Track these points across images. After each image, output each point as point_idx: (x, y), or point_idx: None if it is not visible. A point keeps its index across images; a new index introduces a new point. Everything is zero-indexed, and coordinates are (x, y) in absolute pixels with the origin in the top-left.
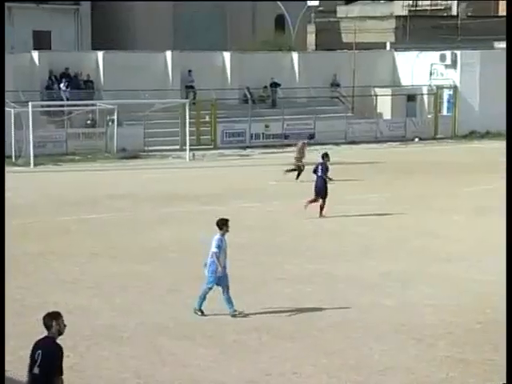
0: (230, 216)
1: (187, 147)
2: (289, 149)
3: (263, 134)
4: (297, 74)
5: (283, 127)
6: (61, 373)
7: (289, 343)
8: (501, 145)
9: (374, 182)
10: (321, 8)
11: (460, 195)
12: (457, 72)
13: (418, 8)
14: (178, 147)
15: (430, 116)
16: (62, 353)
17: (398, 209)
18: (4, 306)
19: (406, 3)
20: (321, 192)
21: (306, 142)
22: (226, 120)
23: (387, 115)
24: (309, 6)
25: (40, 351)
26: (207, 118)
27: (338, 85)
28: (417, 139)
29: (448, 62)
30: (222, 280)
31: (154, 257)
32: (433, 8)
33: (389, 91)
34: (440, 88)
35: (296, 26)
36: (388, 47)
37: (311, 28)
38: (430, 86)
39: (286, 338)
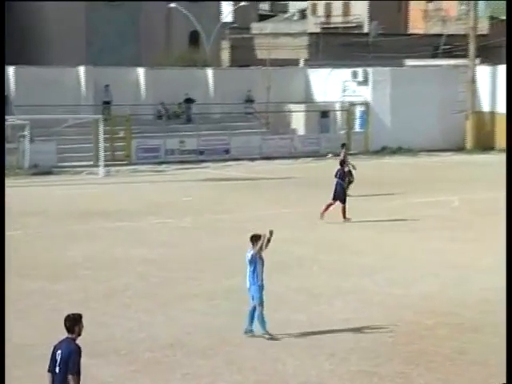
0: (143, 232)
1: (101, 163)
2: (204, 164)
3: (178, 149)
4: (211, 90)
5: (198, 143)
6: (79, 373)
7: (203, 360)
8: (412, 160)
9: (288, 198)
10: (235, 24)
11: (372, 210)
12: (368, 89)
13: (330, 25)
14: (91, 163)
15: (342, 132)
16: (81, 354)
17: (312, 224)
18: (4, 306)
19: (318, 20)
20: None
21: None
22: (140, 136)
23: (301, 131)
24: (223, 23)
25: (60, 351)
26: (121, 134)
27: (252, 101)
28: (330, 155)
29: (360, 78)
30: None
31: (67, 274)
32: (345, 25)
33: (302, 107)
34: (352, 104)
35: (210, 42)
36: (301, 64)
37: (225, 44)
38: (342, 102)
39: (200, 354)
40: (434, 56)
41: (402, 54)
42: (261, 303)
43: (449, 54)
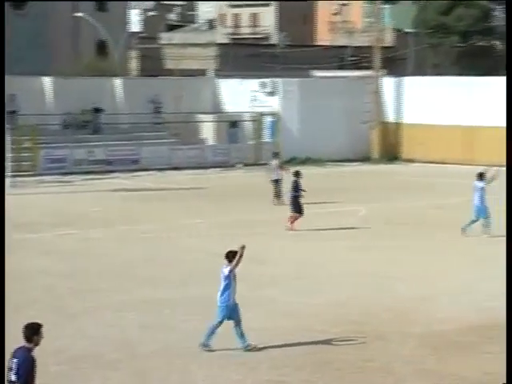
0: (51, 244)
1: (7, 174)
2: (112, 175)
3: (86, 159)
4: (120, 100)
5: (106, 153)
6: (33, 382)
7: (111, 371)
8: (320, 170)
9: (197, 208)
10: (143, 34)
11: (280, 220)
12: (277, 99)
13: (238, 36)
14: None
15: (252, 142)
16: (35, 364)
17: (222, 234)
18: (4, 306)
19: (227, 31)
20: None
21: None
22: (47, 146)
23: (211, 141)
24: (131, 32)
25: (16, 360)
26: (27, 144)
27: (160, 111)
28: (240, 165)
29: (269, 89)
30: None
31: None
32: (253, 36)
33: (212, 117)
34: (261, 115)
35: (118, 51)
36: (210, 74)
37: (134, 54)
38: (251, 112)
39: (108, 366)
40: (341, 67)
41: (309, 65)
42: (221, 322)
43: (355, 66)
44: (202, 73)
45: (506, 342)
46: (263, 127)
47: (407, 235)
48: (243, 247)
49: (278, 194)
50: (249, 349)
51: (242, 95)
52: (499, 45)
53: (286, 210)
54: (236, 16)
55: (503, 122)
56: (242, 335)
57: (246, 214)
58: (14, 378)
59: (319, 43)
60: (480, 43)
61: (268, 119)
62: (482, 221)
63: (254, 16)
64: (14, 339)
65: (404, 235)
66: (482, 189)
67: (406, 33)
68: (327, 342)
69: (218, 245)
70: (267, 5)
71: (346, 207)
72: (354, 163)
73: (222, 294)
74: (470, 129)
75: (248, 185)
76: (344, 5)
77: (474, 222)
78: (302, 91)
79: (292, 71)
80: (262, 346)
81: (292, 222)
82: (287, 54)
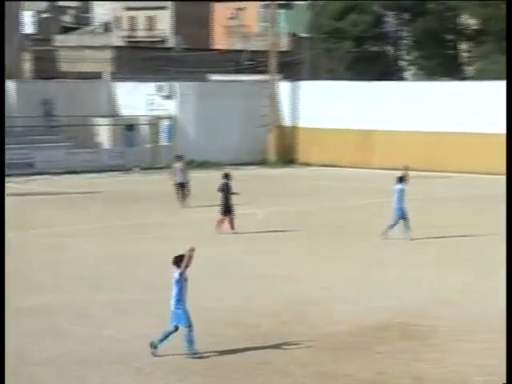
0: None
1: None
2: (6, 179)
3: None
4: (13, 103)
5: None
6: None
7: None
8: (217, 174)
9: (93, 212)
10: (37, 36)
11: (177, 223)
12: (174, 103)
13: (134, 39)
14: None
15: (149, 145)
16: None
17: (118, 238)
18: (4, 306)
19: (122, 34)
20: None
21: None
22: None
23: (107, 145)
24: (24, 34)
25: None
26: None
27: (52, 114)
28: (137, 168)
29: (165, 92)
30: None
31: None
32: (149, 40)
33: (108, 121)
34: (158, 118)
35: (11, 53)
36: (106, 77)
37: (27, 56)
38: (148, 116)
39: None
40: (238, 71)
41: (206, 69)
42: (190, 326)
43: (251, 70)
44: (97, 76)
45: (506, 342)
46: (160, 131)
47: (305, 238)
48: (192, 249)
49: (183, 197)
50: (196, 355)
51: (138, 98)
52: (391, 50)
53: (187, 213)
54: (132, 19)
55: (397, 126)
56: (190, 341)
57: (144, 217)
58: None
59: (216, 47)
60: (373, 49)
61: (165, 123)
62: (402, 223)
63: (150, 19)
64: None
65: (302, 238)
66: (401, 191)
67: (301, 37)
68: (225, 345)
69: (116, 249)
70: (163, 8)
71: (243, 211)
72: (251, 166)
73: (174, 299)
74: (364, 132)
75: (146, 188)
76: (240, 9)
77: (393, 225)
78: (199, 95)
79: (189, 75)
80: (160, 350)
81: (222, 226)
82: (184, 57)
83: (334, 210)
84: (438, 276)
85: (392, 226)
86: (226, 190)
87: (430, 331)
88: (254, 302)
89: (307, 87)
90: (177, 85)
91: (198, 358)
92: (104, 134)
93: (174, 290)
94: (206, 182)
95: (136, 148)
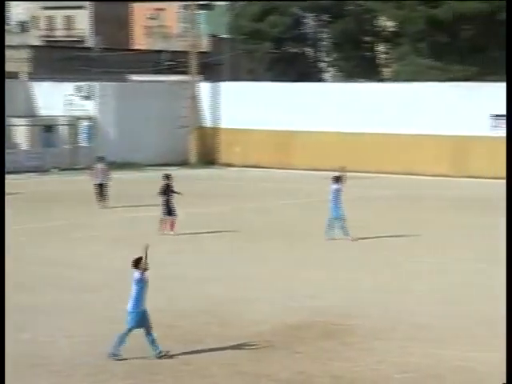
0: None
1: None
2: None
3: None
4: None
5: None
6: None
7: None
8: (138, 175)
9: (11, 213)
10: None
11: (94, 224)
12: (94, 103)
13: (52, 39)
14: None
15: (68, 146)
16: None
17: (36, 241)
18: (4, 306)
19: (40, 33)
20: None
21: None
22: None
23: (25, 146)
24: None
25: None
26: None
27: None
28: (55, 169)
29: (84, 93)
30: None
31: None
32: (68, 39)
33: (25, 121)
34: (77, 119)
35: None
36: (23, 77)
37: None
38: (67, 116)
39: None
40: (158, 72)
41: (126, 70)
42: (130, 329)
43: (172, 70)
44: (14, 75)
45: (506, 342)
46: (79, 131)
47: (226, 239)
48: (147, 246)
49: (102, 198)
50: (161, 356)
51: (56, 99)
52: (311, 52)
53: (107, 214)
54: (49, 18)
55: (317, 127)
56: (153, 342)
57: (64, 218)
58: None
59: (136, 47)
60: (292, 50)
61: (84, 123)
62: (335, 223)
63: (68, 19)
64: None
65: (223, 239)
66: (338, 191)
67: (222, 38)
68: (144, 346)
69: (35, 251)
70: (81, 8)
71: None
72: (172, 167)
73: (132, 300)
74: (285, 133)
75: (65, 189)
76: (159, 9)
77: (332, 225)
78: (119, 95)
79: (108, 75)
80: (74, 352)
81: (165, 227)
82: (103, 57)
83: (254, 211)
84: (358, 276)
85: (331, 227)
86: (167, 191)
87: (349, 330)
88: (175, 303)
89: (227, 88)
90: (96, 85)
91: (165, 357)
92: (21, 134)
93: (134, 291)
94: (126, 183)
95: (55, 149)
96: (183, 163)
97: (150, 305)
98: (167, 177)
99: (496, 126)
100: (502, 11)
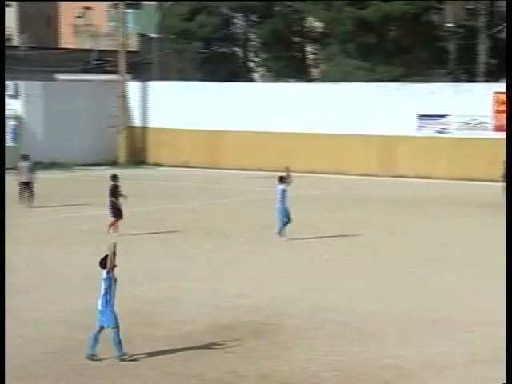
0: None
1: None
2: None
3: None
4: None
5: None
6: None
7: None
8: (66, 175)
9: None
10: None
11: (22, 224)
12: (20, 103)
13: None
14: None
15: None
16: None
17: None
18: (4, 306)
19: None
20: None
21: None
22: None
23: None
24: None
25: None
26: None
27: None
28: None
29: (10, 92)
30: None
31: None
32: None
33: None
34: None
35: None
36: None
37: None
38: None
39: None
40: (86, 71)
41: (53, 68)
42: (117, 327)
43: (100, 69)
44: None
45: (506, 342)
46: (5, 131)
47: (155, 239)
48: (113, 245)
49: (29, 197)
50: (124, 358)
51: None
52: (240, 52)
53: (33, 213)
54: None
55: (246, 127)
56: (119, 343)
57: None
58: None
59: (64, 46)
60: (222, 50)
61: (10, 123)
62: (280, 223)
63: None
64: None
65: (151, 238)
66: (283, 191)
67: (151, 38)
68: (72, 348)
69: None
70: (7, 6)
71: (91, 211)
72: (101, 167)
73: (102, 299)
74: (214, 133)
75: None
76: (87, 8)
77: (285, 223)
78: (46, 94)
79: (35, 74)
80: (8, 354)
81: (112, 227)
82: (30, 56)
83: (181, 211)
84: (286, 276)
85: (283, 227)
86: (115, 192)
87: (277, 329)
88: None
89: (156, 88)
90: (22, 84)
91: (129, 359)
92: None
93: (103, 290)
94: (52, 183)
95: None
96: (112, 163)
97: (76, 307)
98: (114, 177)
99: (422, 126)
100: (428, 12)
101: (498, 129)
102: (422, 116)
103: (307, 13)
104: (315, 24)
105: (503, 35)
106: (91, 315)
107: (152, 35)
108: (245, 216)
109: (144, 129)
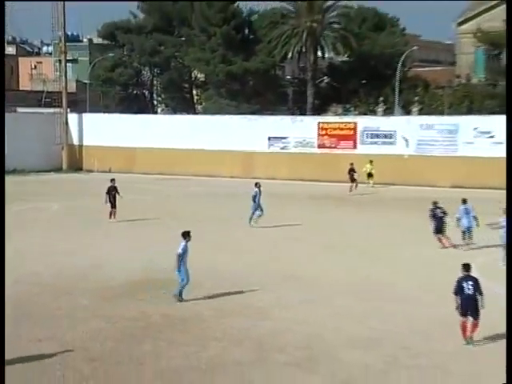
0: None
1: None
2: None
3: None
4: None
5: None
6: None
7: None
8: (24, 178)
9: None
10: None
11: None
12: None
13: None
14: None
15: None
16: None
17: None
18: (4, 306)
19: None
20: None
21: None
22: None
23: None
24: None
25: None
26: None
27: None
28: None
29: None
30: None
31: None
32: None
33: None
34: None
35: None
36: None
37: None
38: None
39: None
40: (39, 106)
41: (15, 104)
42: (187, 280)
43: (49, 105)
44: None
45: (506, 342)
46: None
47: (90, 223)
48: (188, 232)
49: None
50: (180, 300)
51: None
52: (147, 93)
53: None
54: None
55: (152, 145)
56: (181, 289)
57: None
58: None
59: (23, 88)
60: (135, 92)
61: None
62: (258, 214)
63: None
64: None
65: (87, 223)
66: (257, 193)
67: (85, 83)
68: (27, 296)
69: None
70: None
71: (42, 204)
72: (50, 173)
73: (179, 262)
74: (129, 149)
75: None
76: (39, 62)
77: (254, 212)
78: (11, 122)
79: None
80: None
81: (111, 215)
82: None
83: (132, 201)
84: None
85: (255, 214)
86: (111, 190)
87: (171, 282)
88: (52, 269)
89: (89, 118)
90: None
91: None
92: None
93: (180, 256)
94: (16, 183)
95: None
96: (58, 169)
97: (28, 270)
98: (112, 180)
99: (271, 145)
100: (274, 68)
101: (320, 146)
102: (271, 138)
103: (193, 67)
104: (199, 75)
105: (324, 85)
106: (39, 276)
107: (85, 81)
108: (154, 206)
109: (80, 146)
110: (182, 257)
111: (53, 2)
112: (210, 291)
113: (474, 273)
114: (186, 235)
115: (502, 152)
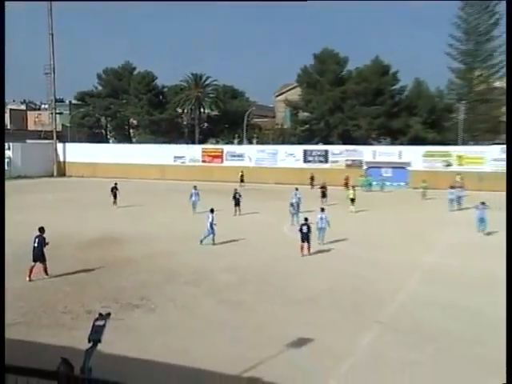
0: None
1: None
2: None
3: None
4: None
5: None
6: None
7: None
8: (27, 181)
9: None
10: None
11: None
12: (11, 151)
13: None
14: None
15: None
16: None
17: None
18: (4, 306)
19: None
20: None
21: None
22: None
23: None
24: None
25: None
26: None
27: None
28: None
29: (7, 147)
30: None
31: None
32: None
33: None
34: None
35: None
36: None
37: None
38: None
39: None
40: (40, 139)
41: (25, 138)
42: (214, 234)
43: (46, 138)
44: None
45: (506, 342)
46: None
47: (66, 208)
48: (212, 209)
49: None
50: (202, 243)
51: None
52: (103, 132)
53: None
54: None
55: (108, 160)
56: (207, 238)
57: None
58: None
59: (29, 129)
60: (96, 131)
61: (6, 160)
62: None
63: None
64: None
65: (65, 207)
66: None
67: (67, 126)
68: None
69: None
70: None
71: (43, 195)
72: (46, 177)
73: (209, 226)
74: (94, 163)
75: None
76: (40, 114)
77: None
78: (22, 149)
79: (18, 140)
80: None
81: (114, 205)
82: (16, 133)
83: (86, 197)
84: (125, 220)
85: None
86: (114, 190)
87: (126, 240)
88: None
89: (70, 146)
90: (11, 144)
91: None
92: None
93: (210, 223)
94: (23, 184)
95: None
96: (51, 175)
97: (19, 241)
98: (115, 183)
99: (176, 161)
100: (178, 117)
101: (203, 161)
102: (175, 157)
103: (130, 117)
104: (134, 121)
105: (205, 127)
106: (9, 243)
107: (67, 125)
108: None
109: (64, 162)
110: (211, 222)
111: (48, 78)
112: (142, 244)
113: None
114: (213, 211)
115: (299, 164)
